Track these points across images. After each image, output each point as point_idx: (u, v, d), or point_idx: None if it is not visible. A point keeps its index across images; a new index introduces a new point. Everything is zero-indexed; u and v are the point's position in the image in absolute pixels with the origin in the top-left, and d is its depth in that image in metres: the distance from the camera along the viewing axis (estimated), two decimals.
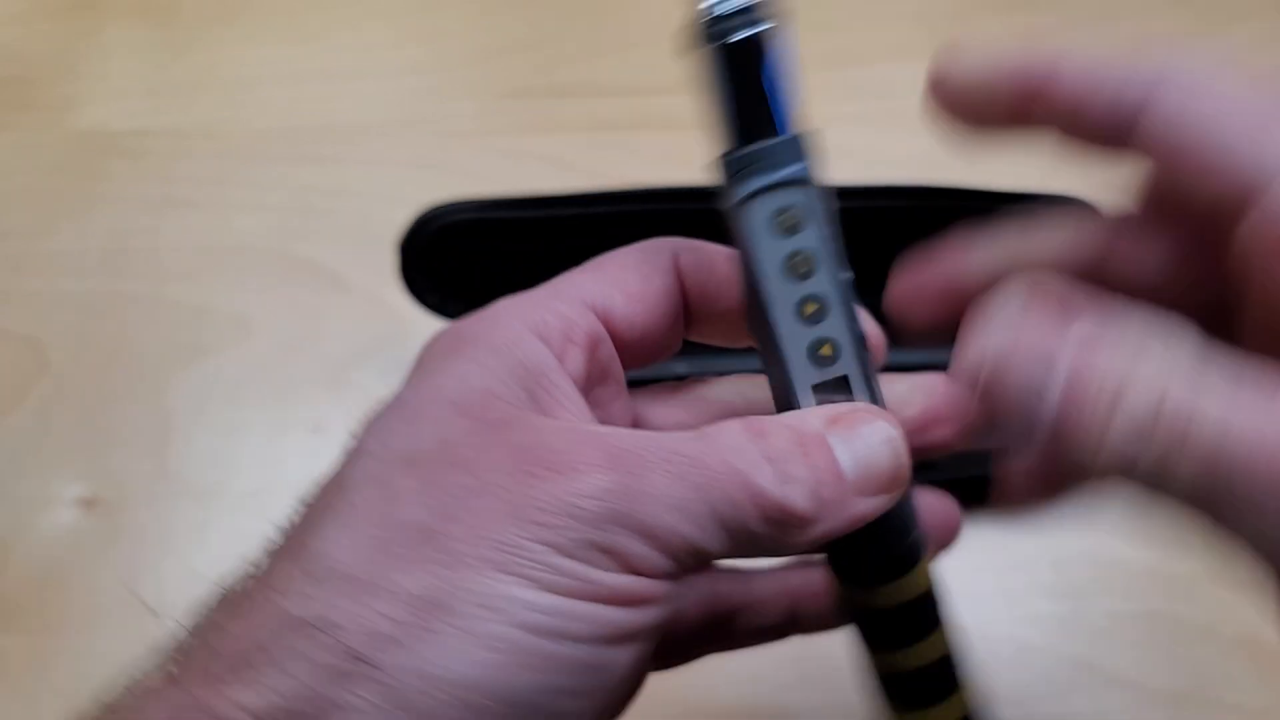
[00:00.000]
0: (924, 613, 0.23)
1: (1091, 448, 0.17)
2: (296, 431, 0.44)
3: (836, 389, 0.22)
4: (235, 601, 0.19)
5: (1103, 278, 0.21)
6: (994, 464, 0.23)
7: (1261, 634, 0.38)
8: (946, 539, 0.25)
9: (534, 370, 0.20)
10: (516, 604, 0.17)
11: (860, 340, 0.22)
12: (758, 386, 0.24)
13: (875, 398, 0.22)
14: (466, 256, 0.39)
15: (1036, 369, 0.17)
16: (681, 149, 0.52)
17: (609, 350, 0.22)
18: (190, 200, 0.50)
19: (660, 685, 0.39)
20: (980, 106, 0.22)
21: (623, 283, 0.22)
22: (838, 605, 0.24)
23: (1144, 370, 0.16)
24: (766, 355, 0.22)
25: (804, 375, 0.21)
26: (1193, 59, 0.19)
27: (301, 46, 0.56)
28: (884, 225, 0.39)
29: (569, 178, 0.50)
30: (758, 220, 0.21)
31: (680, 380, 0.25)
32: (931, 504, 0.24)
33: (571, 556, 0.17)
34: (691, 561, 0.19)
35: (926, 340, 0.23)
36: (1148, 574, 0.39)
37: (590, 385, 0.22)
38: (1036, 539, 0.40)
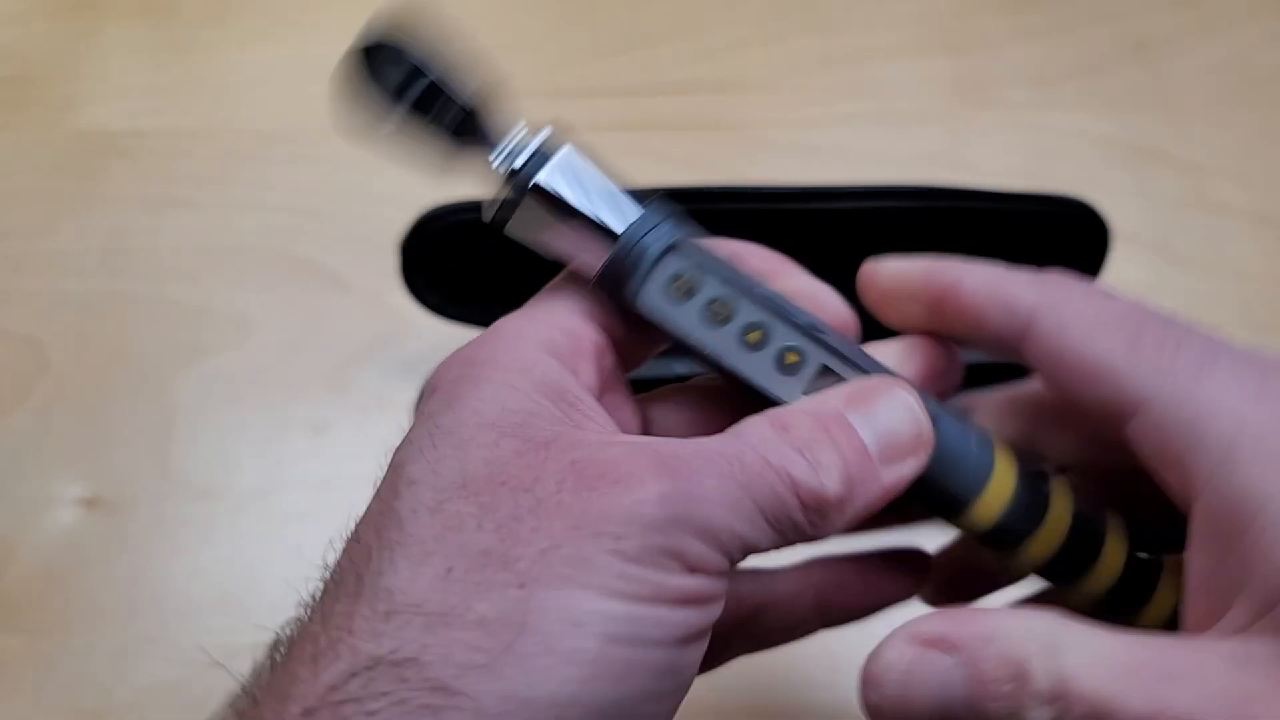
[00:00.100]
0: (1019, 519, 0.23)
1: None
2: (297, 431, 0.44)
3: (826, 379, 0.22)
4: (302, 647, 0.18)
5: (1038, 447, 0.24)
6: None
7: None
8: (897, 596, 0.25)
9: (557, 388, 0.20)
10: (595, 616, 0.17)
11: (818, 328, 0.22)
12: None
13: (868, 370, 0.22)
14: (467, 257, 0.39)
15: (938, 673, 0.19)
16: (681, 149, 0.52)
17: (612, 358, 0.23)
18: (190, 200, 0.50)
19: None
20: (901, 305, 0.24)
21: None
22: (1002, 568, 0.25)
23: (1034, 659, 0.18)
24: (746, 391, 0.22)
25: (787, 390, 0.22)
26: (1065, 289, 0.22)
27: (302, 46, 0.56)
28: (884, 225, 0.39)
29: None
30: (657, 301, 0.22)
31: (681, 381, 0.25)
32: (898, 563, 0.25)
33: (640, 563, 0.18)
34: (741, 557, 0.19)
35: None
36: None
37: (601, 395, 0.22)
38: None
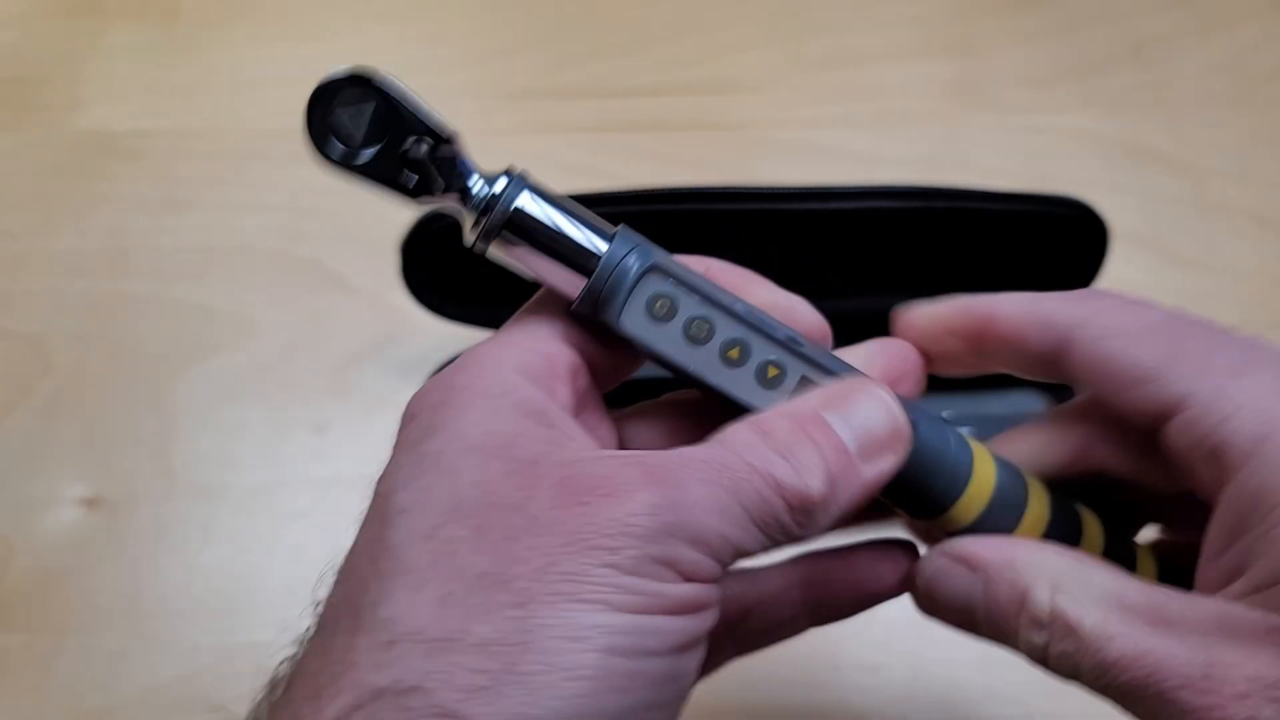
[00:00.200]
0: (999, 515, 0.24)
1: (1010, 636, 0.22)
2: (298, 431, 0.44)
3: (807, 390, 0.23)
4: (303, 685, 0.18)
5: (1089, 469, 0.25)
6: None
7: None
8: (885, 591, 0.25)
9: (536, 409, 0.21)
10: (595, 630, 0.17)
11: (796, 340, 0.23)
12: None
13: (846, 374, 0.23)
14: (467, 258, 0.39)
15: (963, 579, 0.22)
16: (682, 149, 0.53)
17: (587, 378, 0.23)
18: (192, 200, 0.51)
19: None
20: (942, 343, 0.25)
21: None
22: (919, 534, 0.26)
23: (1042, 583, 0.21)
24: (730, 407, 0.23)
25: (770, 403, 0.22)
26: (1100, 301, 0.23)
27: (303, 47, 0.56)
28: (883, 225, 0.39)
29: (570, 179, 0.50)
30: (639, 323, 0.23)
31: (654, 398, 0.26)
32: (884, 557, 0.25)
33: (636, 574, 0.18)
34: (732, 561, 0.20)
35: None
36: None
37: (577, 414, 0.23)
38: None
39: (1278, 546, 0.19)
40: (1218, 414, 0.21)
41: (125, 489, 0.43)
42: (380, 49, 0.56)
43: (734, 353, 0.23)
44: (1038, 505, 0.24)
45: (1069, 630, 0.20)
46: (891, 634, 0.39)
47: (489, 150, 0.53)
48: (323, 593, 0.20)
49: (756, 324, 0.23)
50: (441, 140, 0.22)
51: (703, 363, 0.23)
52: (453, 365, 0.22)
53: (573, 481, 0.19)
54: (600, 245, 0.22)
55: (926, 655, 0.39)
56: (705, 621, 0.19)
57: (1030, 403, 0.43)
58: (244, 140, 0.52)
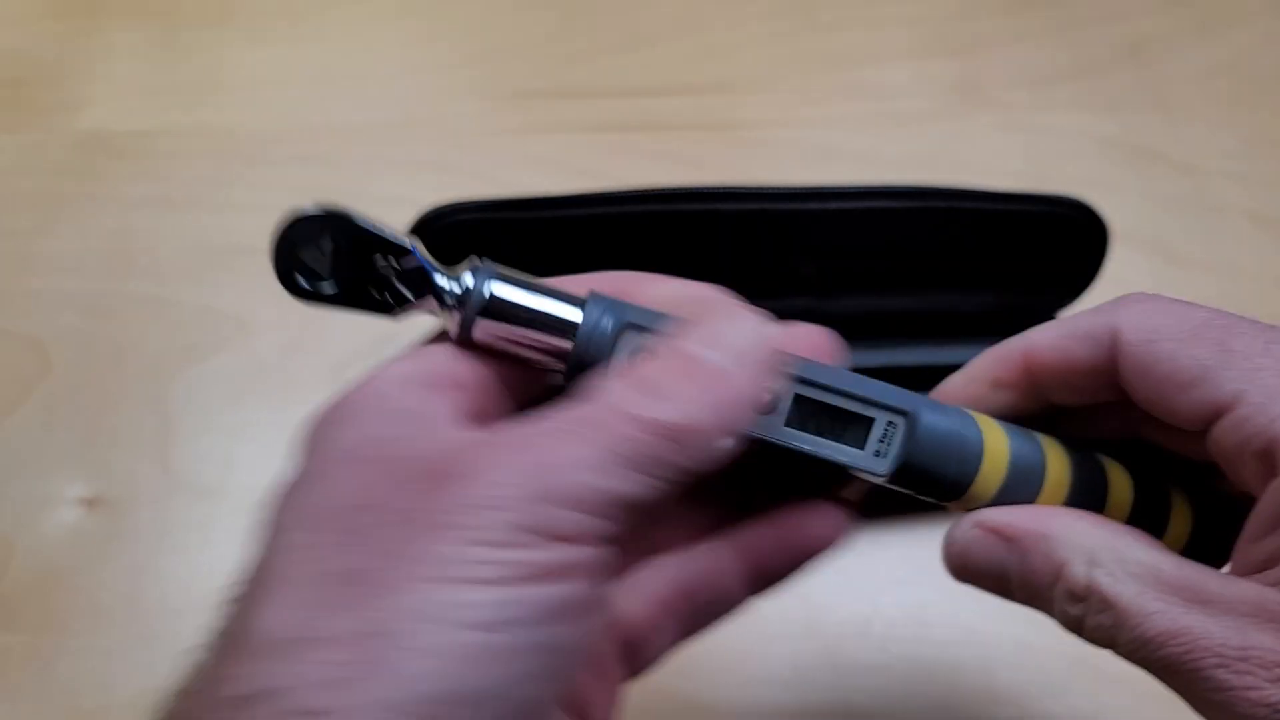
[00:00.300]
0: (1020, 483, 0.24)
1: (1044, 604, 0.22)
2: (298, 431, 0.44)
3: (819, 415, 0.23)
4: (183, 711, 0.19)
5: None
6: None
7: None
8: (821, 546, 0.25)
9: (413, 416, 0.21)
10: (452, 608, 0.17)
11: (785, 363, 0.23)
12: None
13: (860, 396, 0.23)
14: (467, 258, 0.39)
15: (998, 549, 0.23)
16: (682, 149, 0.53)
17: (485, 391, 0.23)
18: (192, 201, 0.51)
19: (661, 685, 0.39)
20: (993, 397, 0.25)
21: None
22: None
23: (1079, 556, 0.21)
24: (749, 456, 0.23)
25: (769, 422, 0.23)
26: (1143, 305, 0.23)
27: (303, 47, 0.56)
28: (883, 225, 0.39)
29: (571, 178, 0.50)
30: None
31: None
32: (815, 513, 0.25)
33: (496, 546, 0.18)
34: (621, 511, 0.19)
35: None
36: None
37: (480, 423, 0.22)
38: None
39: None
40: (1270, 413, 0.21)
41: (125, 489, 0.43)
42: (380, 49, 0.56)
43: None
44: (1057, 466, 0.24)
45: (1106, 605, 0.20)
46: (891, 634, 0.39)
47: (489, 150, 0.54)
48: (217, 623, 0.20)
49: None
50: (403, 252, 0.22)
51: None
52: (344, 389, 0.22)
53: (432, 469, 0.19)
54: (575, 314, 0.23)
55: (926, 655, 0.39)
56: (587, 584, 0.19)
57: None
58: (244, 140, 0.52)
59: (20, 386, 0.45)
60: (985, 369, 0.25)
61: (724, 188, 0.38)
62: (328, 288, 0.22)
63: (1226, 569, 0.22)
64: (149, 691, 0.20)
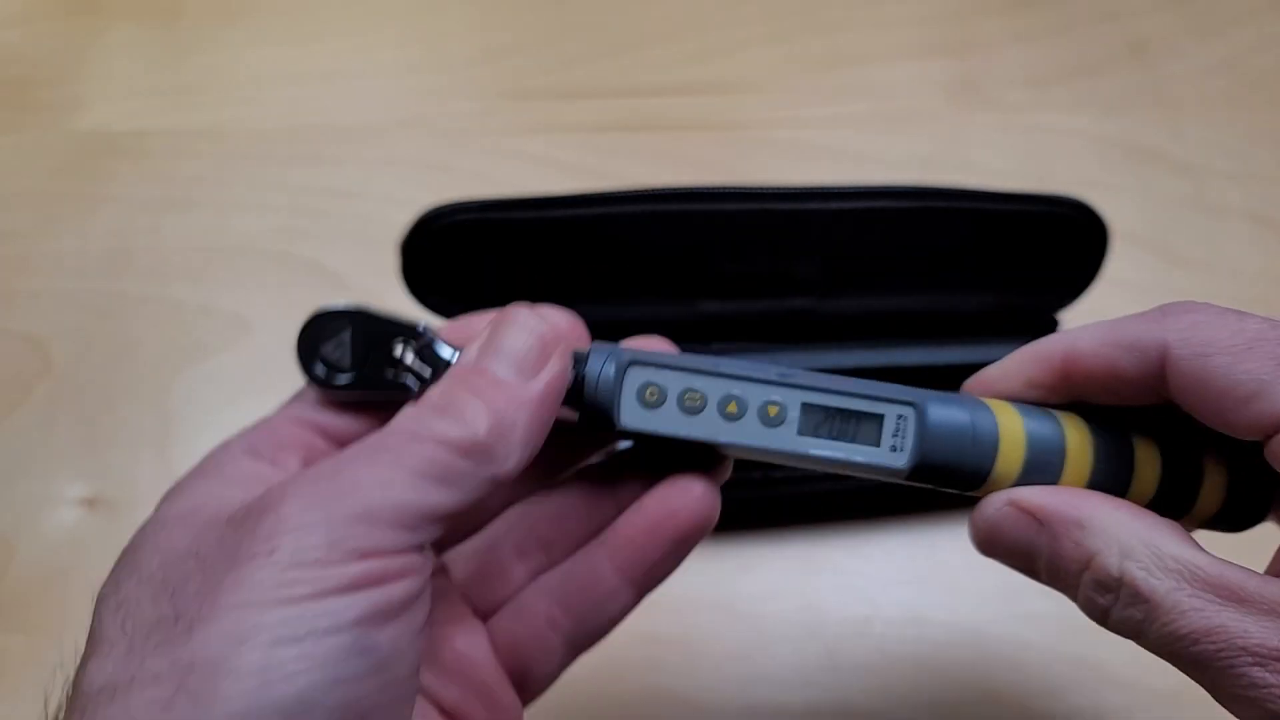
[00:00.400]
0: (1042, 465, 0.24)
1: (1070, 589, 0.22)
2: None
3: (829, 419, 0.23)
4: None
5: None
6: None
7: None
8: (692, 524, 0.25)
9: (250, 478, 0.22)
10: (258, 627, 0.18)
11: (785, 373, 0.24)
12: None
13: (850, 391, 0.24)
14: (468, 257, 0.39)
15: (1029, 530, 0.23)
16: (681, 149, 0.53)
17: (333, 445, 0.25)
18: (192, 201, 0.51)
19: (661, 685, 0.39)
20: (1028, 393, 0.25)
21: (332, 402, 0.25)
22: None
23: (1111, 547, 0.21)
24: (745, 458, 0.24)
25: (782, 439, 0.24)
26: (1191, 316, 0.22)
27: (304, 47, 0.56)
28: (883, 225, 0.39)
29: (570, 178, 0.50)
30: (638, 418, 0.24)
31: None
32: (679, 490, 0.25)
33: (296, 567, 0.19)
34: (427, 522, 0.20)
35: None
36: None
37: None
38: None
39: None
40: None
41: (125, 489, 0.43)
42: (380, 49, 0.56)
43: (731, 408, 0.24)
44: (1078, 442, 0.24)
45: (1138, 599, 0.21)
46: (891, 634, 0.39)
47: (488, 150, 0.54)
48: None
49: (741, 374, 0.24)
50: (416, 335, 0.24)
51: (708, 429, 0.24)
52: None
53: (245, 512, 0.20)
54: (576, 367, 0.24)
55: (926, 655, 0.39)
56: (396, 590, 0.20)
57: None
58: (244, 140, 0.52)
59: (21, 386, 0.45)
60: (1021, 368, 0.25)
61: (724, 188, 0.38)
62: (348, 378, 0.24)
63: (1266, 568, 0.22)
64: None
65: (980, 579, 0.40)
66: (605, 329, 0.41)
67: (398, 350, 0.24)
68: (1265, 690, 0.19)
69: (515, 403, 0.22)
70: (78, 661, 0.20)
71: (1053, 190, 0.39)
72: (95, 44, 0.56)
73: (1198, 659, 0.20)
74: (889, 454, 0.23)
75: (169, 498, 0.23)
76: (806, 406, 0.23)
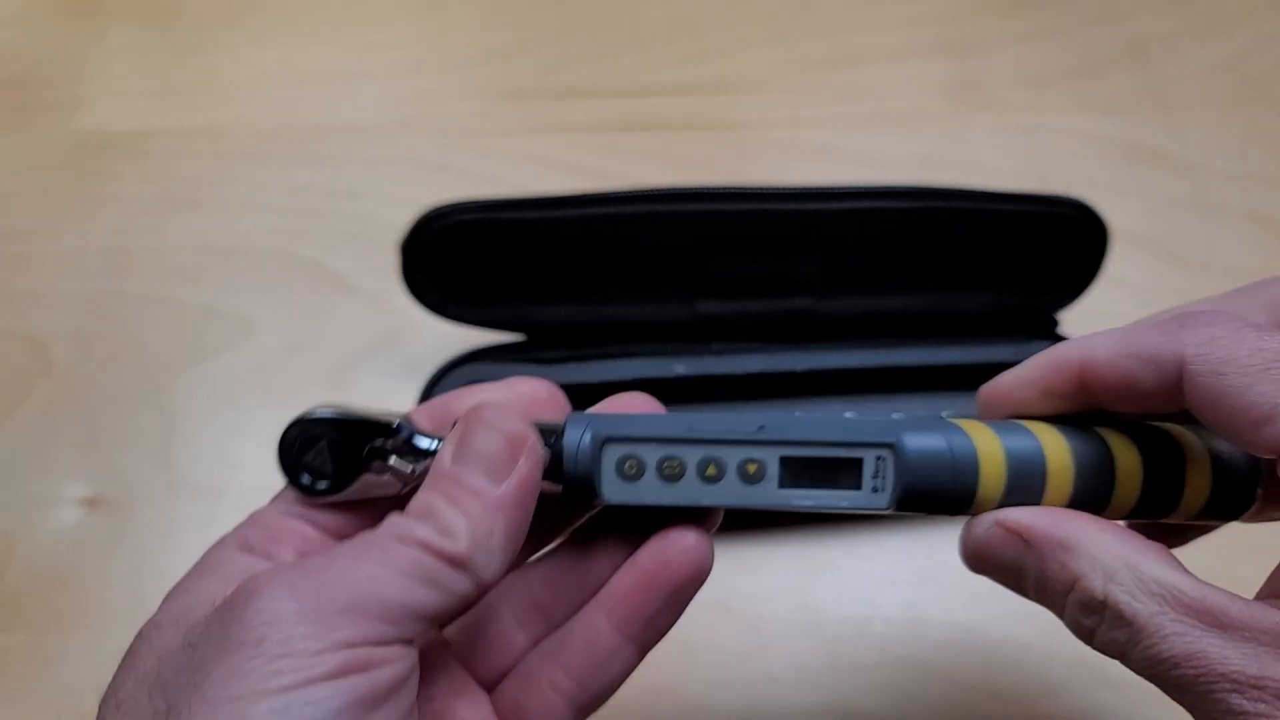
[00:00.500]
0: (1024, 484, 0.24)
1: (1057, 609, 0.23)
2: None
3: (809, 470, 0.24)
4: None
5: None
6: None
7: None
8: (689, 574, 0.25)
9: (243, 572, 0.22)
10: (245, 718, 0.19)
11: (761, 428, 0.24)
12: None
13: (826, 438, 0.24)
14: (469, 257, 0.39)
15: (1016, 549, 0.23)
16: (682, 149, 0.53)
17: (324, 535, 0.25)
18: (192, 201, 0.51)
19: (662, 685, 0.39)
20: (1043, 403, 0.25)
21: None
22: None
23: (1096, 569, 0.21)
24: (734, 516, 0.24)
25: (763, 495, 0.24)
26: (1210, 330, 0.22)
27: (304, 47, 0.56)
28: (882, 225, 0.39)
29: (570, 178, 0.50)
30: (620, 491, 0.24)
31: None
32: (672, 542, 0.25)
33: (283, 657, 0.19)
34: (411, 619, 0.21)
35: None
36: None
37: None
38: None
39: None
40: None
41: (125, 489, 0.43)
42: (380, 49, 0.56)
43: (711, 470, 0.24)
44: (1057, 453, 0.24)
45: (1121, 621, 0.21)
46: (891, 634, 0.39)
47: (488, 150, 0.54)
48: None
49: (717, 436, 0.24)
50: (393, 433, 0.24)
51: (689, 494, 0.24)
52: None
53: (233, 601, 0.21)
54: (554, 443, 0.24)
55: (926, 655, 0.39)
56: (383, 676, 0.20)
57: None
58: (244, 140, 0.52)
59: (22, 386, 0.45)
60: (1038, 376, 0.25)
61: (724, 188, 0.38)
62: (330, 484, 0.24)
63: (1259, 589, 0.22)
64: None
65: (979, 579, 0.40)
66: (605, 329, 0.42)
67: (378, 444, 0.24)
68: (1242, 717, 0.19)
69: (490, 509, 0.22)
70: None
71: (1053, 190, 0.39)
72: (95, 44, 0.56)
73: (1179, 683, 0.20)
74: (871, 495, 0.24)
75: (168, 598, 0.23)
76: (785, 460, 0.24)
